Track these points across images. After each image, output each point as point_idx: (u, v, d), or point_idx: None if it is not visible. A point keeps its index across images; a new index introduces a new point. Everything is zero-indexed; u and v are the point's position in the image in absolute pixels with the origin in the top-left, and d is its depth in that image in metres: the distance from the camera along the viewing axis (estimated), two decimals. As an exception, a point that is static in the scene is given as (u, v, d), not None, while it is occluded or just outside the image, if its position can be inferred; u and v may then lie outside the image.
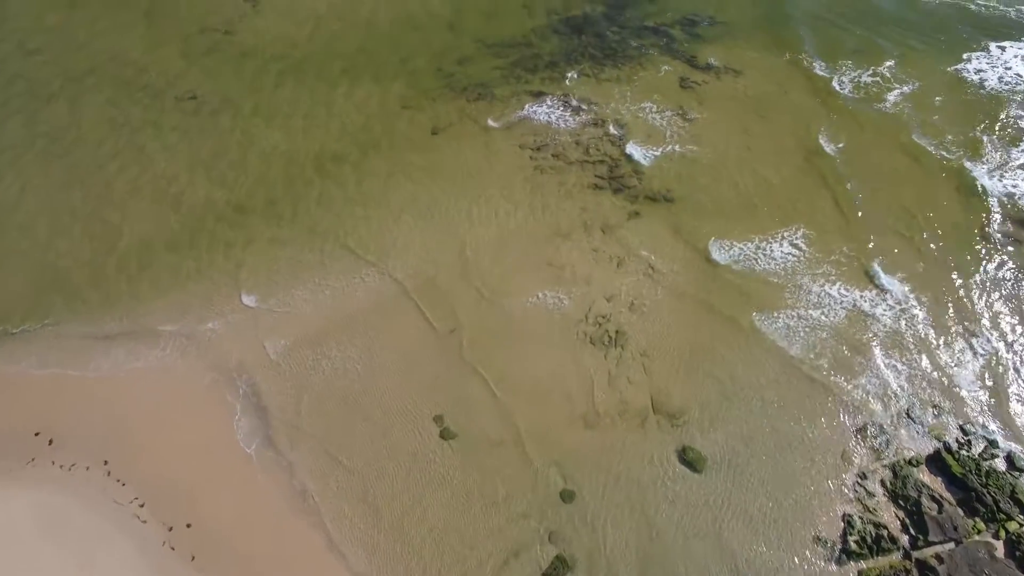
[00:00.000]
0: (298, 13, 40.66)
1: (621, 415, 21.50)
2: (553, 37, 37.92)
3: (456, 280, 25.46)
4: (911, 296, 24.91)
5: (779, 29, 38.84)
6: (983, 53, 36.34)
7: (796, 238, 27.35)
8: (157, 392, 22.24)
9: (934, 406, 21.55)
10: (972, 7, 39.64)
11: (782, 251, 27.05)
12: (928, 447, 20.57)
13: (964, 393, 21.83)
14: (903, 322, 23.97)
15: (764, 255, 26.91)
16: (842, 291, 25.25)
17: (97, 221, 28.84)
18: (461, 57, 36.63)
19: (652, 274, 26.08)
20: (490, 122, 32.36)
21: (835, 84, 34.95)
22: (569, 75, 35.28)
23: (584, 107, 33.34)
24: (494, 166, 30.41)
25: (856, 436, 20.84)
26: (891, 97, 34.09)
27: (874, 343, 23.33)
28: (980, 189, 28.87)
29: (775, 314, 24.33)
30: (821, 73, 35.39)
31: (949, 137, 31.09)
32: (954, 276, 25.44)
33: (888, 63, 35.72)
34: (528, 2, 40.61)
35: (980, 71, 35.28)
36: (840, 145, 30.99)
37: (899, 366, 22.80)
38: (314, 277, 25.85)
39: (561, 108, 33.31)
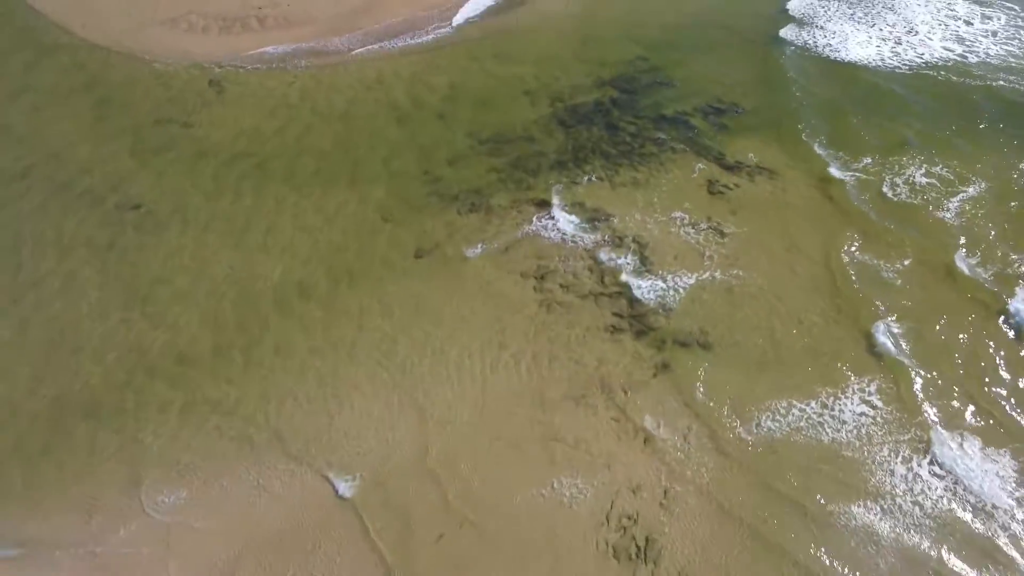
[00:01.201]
0: (267, 102, 36.77)
1: None
2: (558, 130, 33.89)
3: (426, 484, 20.54)
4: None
5: (814, 118, 34.83)
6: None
7: (869, 393, 22.59)
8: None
9: None
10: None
11: (853, 411, 22.24)
12: None
13: None
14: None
15: (832, 419, 22.08)
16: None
17: (-1, 379, 24.17)
18: (452, 155, 32.49)
19: (689, 452, 21.20)
20: (482, 246, 27.89)
21: (886, 188, 30.66)
22: (579, 179, 31.00)
23: (597, 220, 29.01)
24: (489, 302, 25.87)
25: None
26: (952, 204, 29.76)
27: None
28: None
29: (858, 504, 19.36)
30: (868, 175, 31.12)
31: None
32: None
33: (945, 160, 31.52)
34: (529, 88, 36.77)
35: (1061, 174, 31.10)
36: (896, 265, 26.50)
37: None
38: (251, 472, 20.96)
39: (570, 222, 28.93)
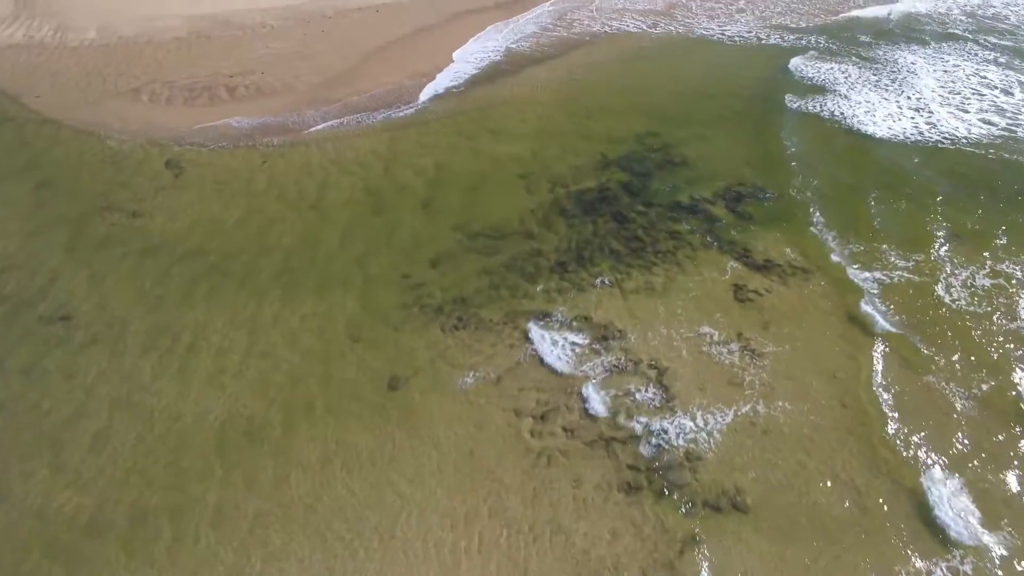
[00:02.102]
0: (230, 186, 33.19)
1: None
2: (560, 222, 30.18)
3: None
4: None
5: (845, 207, 31.34)
6: None
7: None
8: None
9: None
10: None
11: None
12: None
13: None
14: None
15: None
16: None
17: None
18: (437, 254, 28.69)
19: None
20: (470, 376, 23.76)
21: (940, 290, 26.80)
22: (584, 285, 27.10)
23: (608, 339, 24.95)
24: (477, 451, 21.64)
25: None
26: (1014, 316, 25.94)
27: None
28: None
29: None
30: (912, 278, 27.32)
31: None
32: None
33: (1002, 258, 27.85)
34: (526, 170, 33.29)
35: None
36: (945, 397, 22.48)
37: None
38: None
39: (574, 341, 24.86)
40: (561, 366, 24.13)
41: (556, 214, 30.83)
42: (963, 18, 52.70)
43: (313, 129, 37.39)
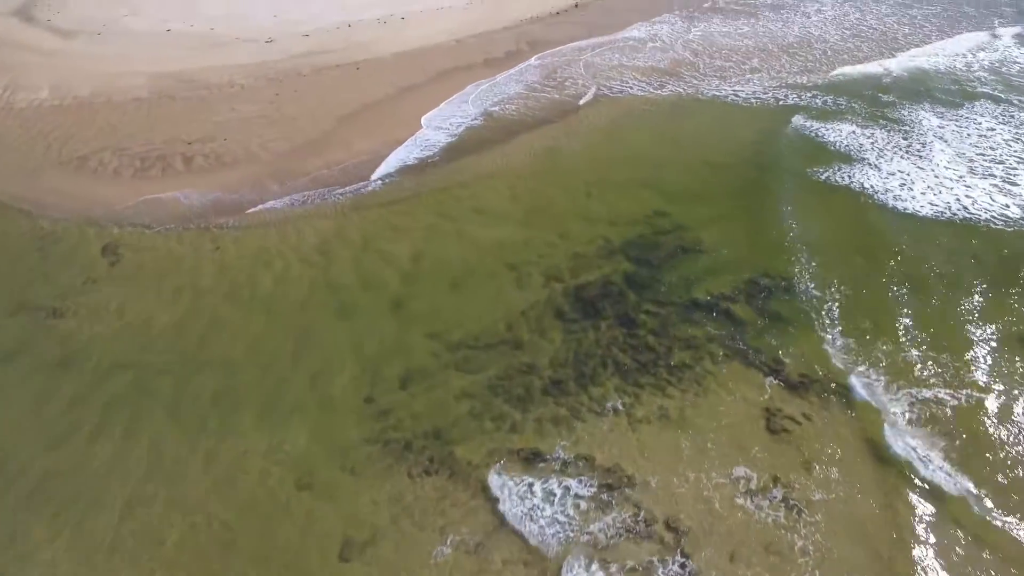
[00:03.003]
0: (172, 279, 29.25)
1: None
2: (555, 328, 26.12)
3: None
4: None
5: (899, 299, 27.33)
6: None
7: None
8: None
9: None
10: None
11: None
12: None
13: None
14: None
15: None
16: None
17: None
18: (408, 371, 24.55)
19: None
20: (442, 542, 19.28)
21: (993, 417, 22.66)
22: (584, 412, 22.85)
23: (614, 488, 20.60)
24: (450, 661, 16.91)
25: None
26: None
27: None
28: None
29: None
30: (975, 399, 23.11)
31: None
32: None
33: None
34: (517, 259, 29.45)
35: None
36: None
37: None
38: None
39: (574, 491, 20.49)
40: (559, 524, 19.66)
41: (551, 316, 26.77)
42: (986, 75, 49.87)
43: (274, 207, 33.68)
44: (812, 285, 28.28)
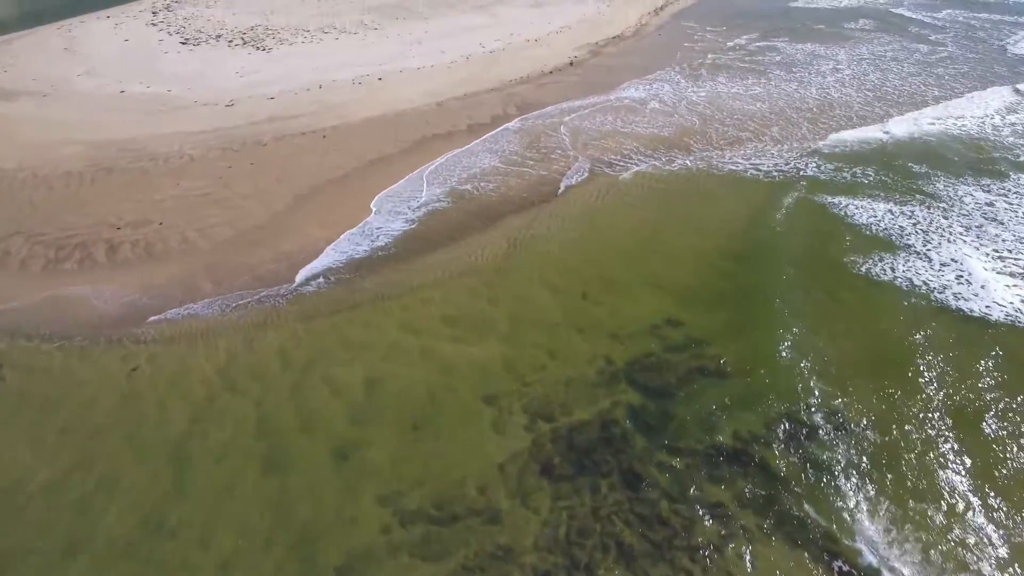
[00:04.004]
0: (58, 417, 24.18)
1: None
2: (542, 491, 21.02)
3: None
4: None
5: (990, 437, 22.25)
6: None
7: None
8: None
9: None
10: None
11: None
12: None
13: None
14: None
15: None
16: None
17: None
18: (348, 556, 19.42)
19: None
20: None
21: None
22: (579, 626, 17.55)
23: None
24: None
25: None
26: None
27: None
28: None
29: None
30: None
31: None
32: None
33: None
34: (495, 390, 24.49)
35: None
36: None
37: None
38: None
39: None
40: None
41: (536, 474, 21.62)
42: (1024, 142, 46.10)
43: (205, 314, 28.69)
44: (867, 421, 23.20)
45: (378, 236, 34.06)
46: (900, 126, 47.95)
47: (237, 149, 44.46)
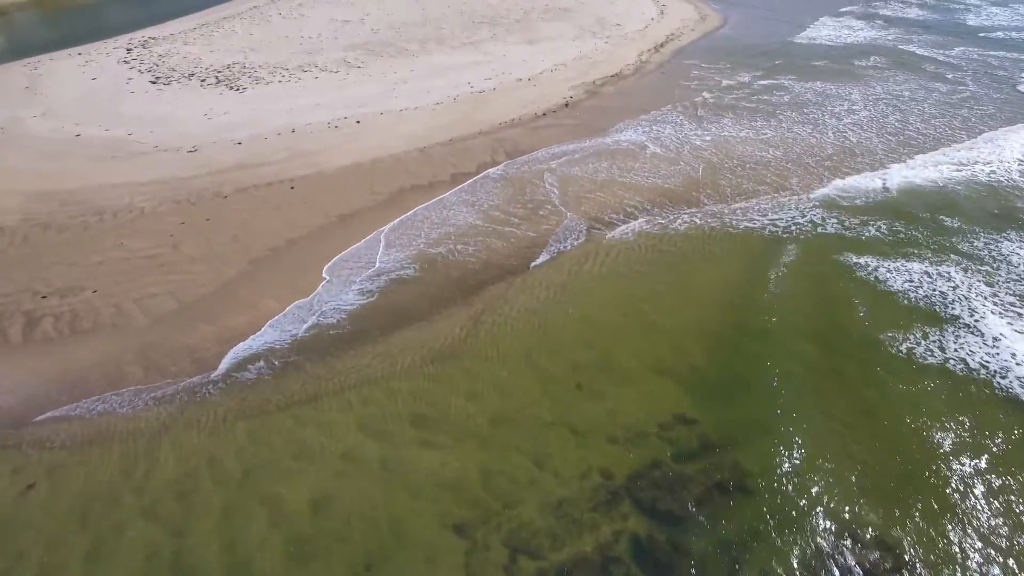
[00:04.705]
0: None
1: None
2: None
3: None
4: None
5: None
6: None
7: None
8: None
9: None
10: None
11: None
12: None
13: None
14: None
15: None
16: None
17: None
18: None
19: None
20: None
21: None
22: None
23: None
24: None
25: None
26: None
27: None
28: None
29: None
30: None
31: None
32: None
33: None
34: (467, 518, 20.37)
35: None
36: None
37: None
38: None
39: None
40: None
41: (520, 640, 17.22)
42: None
43: (127, 412, 24.58)
44: (922, 547, 19.04)
45: (327, 312, 30.09)
46: (931, 174, 44.57)
47: (194, 202, 40.84)
